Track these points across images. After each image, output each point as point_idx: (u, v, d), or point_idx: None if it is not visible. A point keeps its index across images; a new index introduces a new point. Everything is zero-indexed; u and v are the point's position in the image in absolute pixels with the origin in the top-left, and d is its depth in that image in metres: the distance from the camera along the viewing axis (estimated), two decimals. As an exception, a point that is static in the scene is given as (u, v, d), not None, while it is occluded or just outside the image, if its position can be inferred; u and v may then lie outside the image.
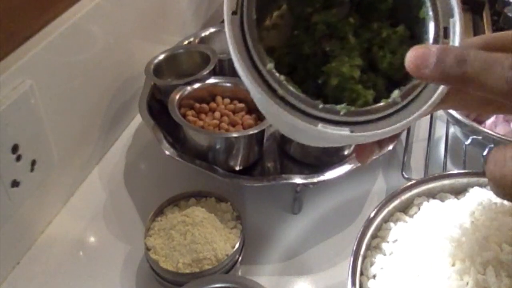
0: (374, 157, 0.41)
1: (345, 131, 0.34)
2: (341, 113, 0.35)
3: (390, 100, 0.36)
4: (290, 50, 0.40)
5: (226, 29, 0.35)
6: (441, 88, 0.35)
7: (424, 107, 0.35)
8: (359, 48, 0.40)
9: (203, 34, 0.79)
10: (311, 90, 0.39)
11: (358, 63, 0.39)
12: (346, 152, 0.64)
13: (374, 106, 0.36)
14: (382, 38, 0.40)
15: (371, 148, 0.40)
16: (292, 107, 0.34)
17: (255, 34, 0.35)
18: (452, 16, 0.37)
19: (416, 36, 0.39)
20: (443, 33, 0.37)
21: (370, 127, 0.35)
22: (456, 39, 0.36)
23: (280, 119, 0.35)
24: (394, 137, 0.40)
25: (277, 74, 0.35)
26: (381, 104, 0.36)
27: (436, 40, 0.37)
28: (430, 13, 0.37)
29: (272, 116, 0.36)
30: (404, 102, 0.36)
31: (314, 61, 0.40)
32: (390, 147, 0.62)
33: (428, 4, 0.38)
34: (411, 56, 0.32)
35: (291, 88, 0.34)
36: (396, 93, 0.36)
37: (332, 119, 0.34)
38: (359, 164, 0.60)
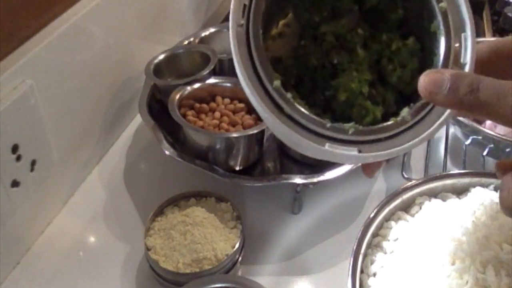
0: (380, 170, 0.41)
1: (353, 152, 0.34)
2: (349, 132, 0.34)
3: (399, 118, 0.35)
4: (297, 61, 0.39)
5: (232, 45, 0.34)
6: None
7: (434, 127, 0.34)
8: (368, 61, 0.38)
9: (203, 34, 0.79)
10: (318, 102, 0.38)
11: (367, 77, 0.38)
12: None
13: (382, 125, 0.35)
14: (392, 50, 0.38)
15: (378, 163, 0.40)
16: (299, 125, 0.34)
17: (261, 49, 0.34)
18: (464, 30, 0.36)
19: (427, 49, 0.38)
20: (455, 48, 0.36)
21: (379, 147, 0.34)
22: (468, 54, 0.35)
23: (287, 137, 0.34)
24: None
25: (284, 92, 0.34)
26: (390, 123, 0.35)
27: (447, 56, 0.36)
28: (441, 27, 0.36)
29: (279, 133, 0.36)
30: (414, 121, 0.35)
31: (322, 73, 0.39)
32: None
33: (440, 17, 0.36)
34: (424, 81, 0.32)
35: (298, 106, 0.34)
36: (405, 111, 0.35)
37: (340, 138, 0.34)
38: (359, 164, 0.60)
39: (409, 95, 0.38)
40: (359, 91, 0.37)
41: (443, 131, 0.71)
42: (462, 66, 0.35)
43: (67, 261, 0.58)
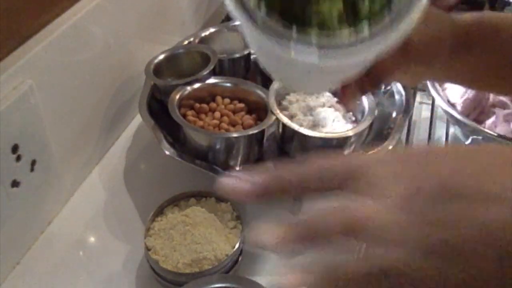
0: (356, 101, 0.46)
1: (315, 52, 0.38)
2: (312, 34, 0.38)
3: (358, 29, 0.39)
4: None
5: None
6: (410, 18, 0.38)
7: (390, 39, 0.38)
8: None
9: (203, 34, 0.79)
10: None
11: (338, 6, 0.41)
12: (346, 153, 0.64)
13: (342, 31, 0.39)
14: None
15: (354, 91, 0.47)
16: (271, 35, 0.38)
17: None
18: None
19: None
20: None
21: (339, 51, 0.38)
22: None
23: (255, 39, 0.38)
24: (374, 82, 0.47)
25: (260, 10, 0.38)
26: (350, 30, 0.39)
27: None
28: None
29: (252, 40, 0.40)
30: (372, 33, 0.38)
31: (301, 4, 0.43)
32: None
33: None
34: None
35: (269, 20, 0.38)
36: (364, 23, 0.39)
37: (306, 42, 0.38)
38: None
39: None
40: (329, 15, 0.41)
41: (443, 131, 0.72)
42: None
43: (67, 261, 0.58)
